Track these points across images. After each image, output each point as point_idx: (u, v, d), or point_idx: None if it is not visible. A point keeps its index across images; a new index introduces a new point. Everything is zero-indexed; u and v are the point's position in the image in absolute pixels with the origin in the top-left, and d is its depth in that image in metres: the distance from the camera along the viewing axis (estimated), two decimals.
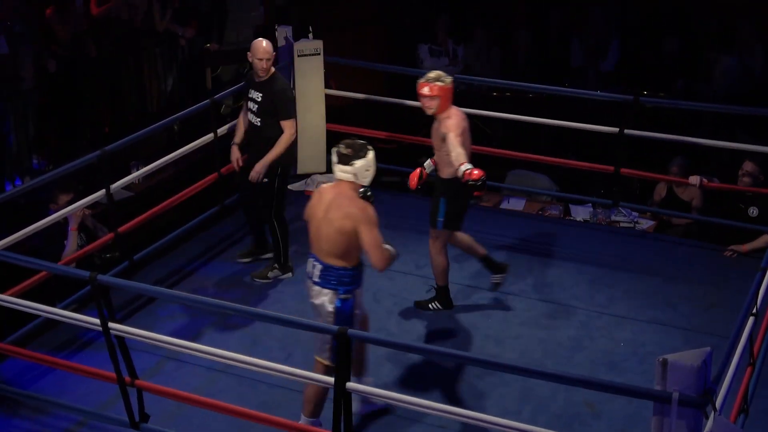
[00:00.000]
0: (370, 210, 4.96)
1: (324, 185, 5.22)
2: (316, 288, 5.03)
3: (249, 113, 6.77)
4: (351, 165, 5.01)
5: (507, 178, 8.89)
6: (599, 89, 9.20)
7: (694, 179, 7.33)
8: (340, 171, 5.03)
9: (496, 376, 5.75)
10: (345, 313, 4.98)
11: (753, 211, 7.32)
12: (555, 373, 4.84)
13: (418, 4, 10.91)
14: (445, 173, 6.14)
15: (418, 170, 6.21)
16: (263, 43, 6.64)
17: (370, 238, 4.90)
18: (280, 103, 6.65)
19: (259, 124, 6.70)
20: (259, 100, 6.67)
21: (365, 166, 5.06)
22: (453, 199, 6.19)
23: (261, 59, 6.61)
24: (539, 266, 7.10)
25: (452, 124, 5.95)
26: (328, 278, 4.99)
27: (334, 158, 5.05)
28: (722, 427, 3.99)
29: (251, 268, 7.08)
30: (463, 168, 5.60)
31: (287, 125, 6.66)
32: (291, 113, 6.75)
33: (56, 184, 6.50)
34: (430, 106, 6.02)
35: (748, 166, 7.26)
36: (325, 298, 5.00)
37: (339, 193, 5.02)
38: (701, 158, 8.26)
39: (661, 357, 3.89)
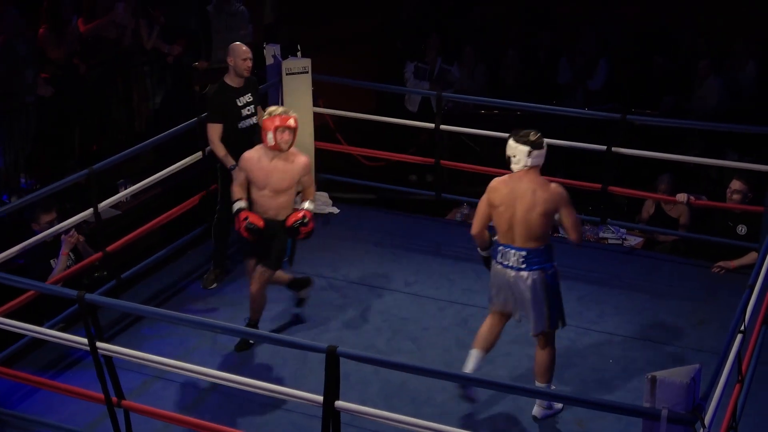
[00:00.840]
0: (565, 191, 5.32)
1: (501, 179, 5.44)
2: (523, 273, 5.30)
3: (242, 121, 6.88)
4: (540, 150, 5.29)
5: None
6: (587, 107, 9.24)
7: (681, 197, 7.36)
8: (534, 158, 5.29)
9: (486, 394, 5.73)
10: (555, 286, 5.36)
11: (741, 229, 7.34)
12: (545, 390, 4.84)
13: (409, 23, 10.97)
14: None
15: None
16: (243, 46, 6.91)
17: (572, 217, 5.32)
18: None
19: (257, 121, 6.92)
20: (251, 100, 6.93)
21: (544, 153, 5.34)
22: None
23: (245, 59, 6.83)
24: None
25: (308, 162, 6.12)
26: (533, 261, 5.28)
27: (525, 148, 5.27)
28: None
29: (242, 285, 7.07)
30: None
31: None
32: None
33: (38, 204, 6.47)
34: (289, 141, 5.94)
35: (736, 184, 7.28)
36: (536, 278, 5.29)
37: (533, 180, 5.29)
38: (690, 176, 8.29)
39: (650, 374, 3.89)
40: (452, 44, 10.32)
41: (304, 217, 6.00)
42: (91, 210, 6.48)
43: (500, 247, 5.41)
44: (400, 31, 10.93)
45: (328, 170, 8.44)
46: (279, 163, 5.97)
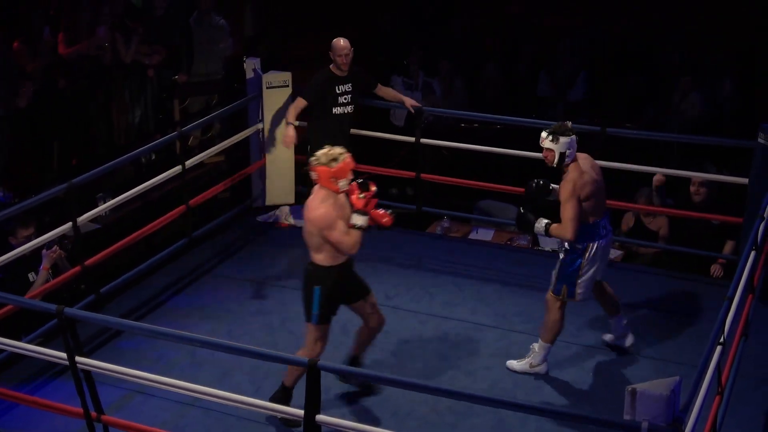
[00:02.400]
0: None
1: (578, 172, 5.68)
2: (612, 235, 5.98)
3: (338, 107, 7.49)
4: None
5: (476, 208, 8.92)
6: (567, 120, 9.26)
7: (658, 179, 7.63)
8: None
9: (467, 408, 5.73)
10: None
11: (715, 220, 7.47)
12: (525, 404, 4.84)
13: (390, 37, 10.98)
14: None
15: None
16: (341, 41, 7.40)
17: None
18: (368, 76, 7.72)
19: (352, 110, 7.57)
20: (350, 90, 7.51)
21: None
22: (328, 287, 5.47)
23: (341, 55, 7.36)
24: (509, 296, 7.11)
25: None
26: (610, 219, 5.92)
27: (575, 137, 5.67)
28: None
29: (222, 299, 7.05)
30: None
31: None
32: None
33: (16, 218, 6.43)
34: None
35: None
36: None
37: (580, 154, 5.78)
38: (669, 189, 8.32)
39: (630, 386, 3.90)
40: (432, 58, 10.35)
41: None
42: (70, 224, 6.45)
43: (601, 222, 5.84)
44: (381, 45, 10.95)
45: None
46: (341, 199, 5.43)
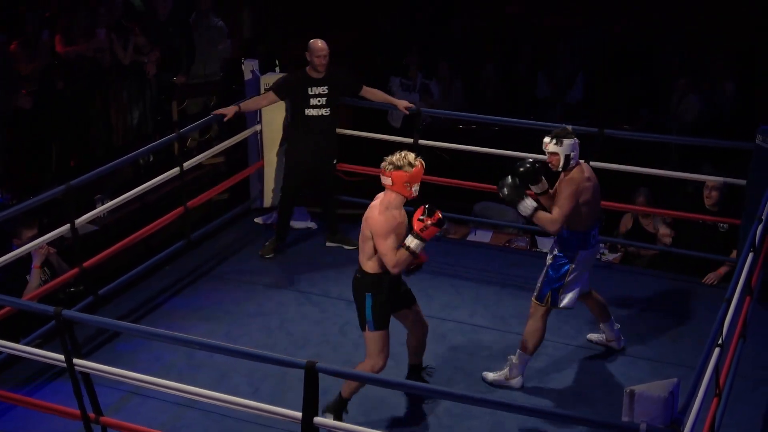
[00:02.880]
0: None
1: (581, 174, 5.69)
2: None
3: (310, 109, 7.40)
4: None
5: (474, 210, 8.92)
6: (565, 122, 9.26)
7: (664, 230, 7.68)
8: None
9: (465, 409, 5.73)
10: None
11: (723, 226, 7.42)
12: (523, 405, 4.85)
13: (389, 38, 10.98)
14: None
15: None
16: (319, 42, 7.32)
17: None
18: (350, 78, 7.67)
19: (328, 113, 7.45)
20: (326, 92, 7.39)
21: None
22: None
23: (318, 56, 7.30)
24: (507, 298, 7.11)
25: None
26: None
27: (576, 140, 5.68)
28: None
29: (221, 300, 7.06)
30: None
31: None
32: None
33: (19, 219, 6.44)
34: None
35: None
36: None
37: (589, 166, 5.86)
38: (667, 190, 8.34)
39: (628, 388, 3.90)
40: (431, 59, 10.35)
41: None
42: (68, 225, 6.45)
43: (593, 232, 5.85)
44: (380, 46, 10.95)
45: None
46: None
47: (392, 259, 5.14)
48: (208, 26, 9.24)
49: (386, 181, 5.25)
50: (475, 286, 7.27)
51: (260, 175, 8.37)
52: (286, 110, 7.88)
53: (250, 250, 7.94)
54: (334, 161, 7.76)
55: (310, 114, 7.44)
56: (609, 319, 6.29)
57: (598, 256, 7.89)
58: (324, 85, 7.41)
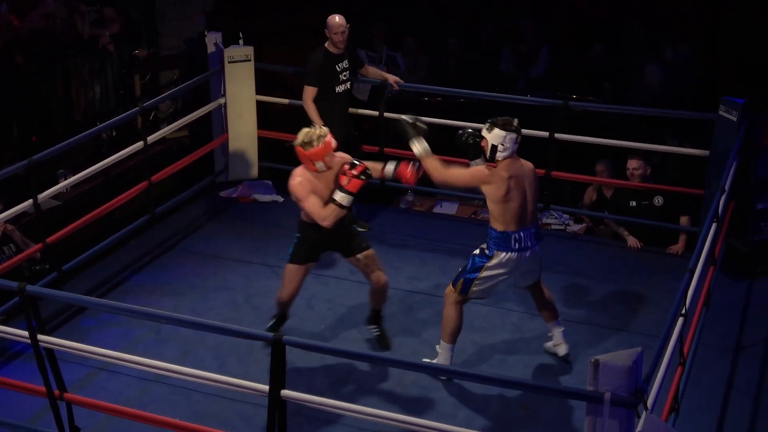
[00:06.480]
0: None
1: (498, 172, 5.48)
2: (536, 251, 5.63)
3: (340, 85, 7.42)
4: (520, 136, 5.53)
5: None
6: (529, 95, 9.28)
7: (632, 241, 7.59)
8: (517, 143, 5.52)
9: (431, 381, 5.75)
10: None
11: (658, 200, 7.54)
12: (489, 375, 4.87)
13: (354, 12, 10.89)
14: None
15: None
16: (337, 18, 7.33)
17: None
18: (357, 55, 7.86)
19: (349, 87, 7.55)
20: (347, 67, 7.46)
21: None
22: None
23: (338, 32, 7.30)
24: None
25: None
26: (538, 237, 5.63)
27: (514, 135, 5.48)
28: (653, 425, 4.03)
29: (186, 275, 7.03)
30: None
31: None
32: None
33: None
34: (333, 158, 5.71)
35: (633, 163, 7.62)
36: (538, 255, 5.66)
37: (524, 163, 5.62)
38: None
39: (592, 357, 3.92)
40: (396, 32, 10.31)
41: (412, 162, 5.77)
42: (30, 201, 6.38)
43: (514, 235, 5.51)
44: (346, 19, 10.86)
45: (272, 158, 8.41)
46: (333, 174, 5.71)
47: (319, 214, 5.61)
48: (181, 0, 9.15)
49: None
50: (441, 258, 7.29)
51: (225, 148, 8.32)
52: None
53: (215, 224, 7.91)
54: (357, 134, 7.70)
55: (340, 90, 7.46)
56: (555, 319, 6.01)
57: (562, 227, 7.97)
58: (344, 60, 7.46)
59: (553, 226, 8.09)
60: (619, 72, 9.59)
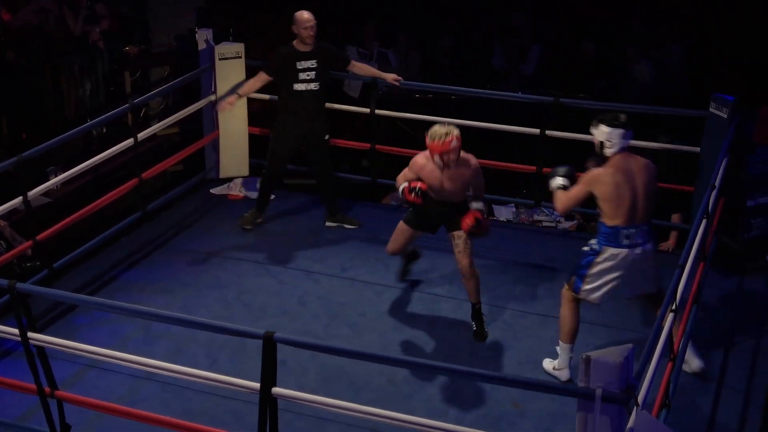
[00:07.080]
0: None
1: (606, 170, 5.47)
2: (647, 250, 5.49)
3: (299, 84, 7.30)
4: (630, 131, 5.48)
5: None
6: (520, 92, 9.30)
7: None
8: (628, 138, 5.49)
9: (423, 378, 5.76)
10: None
11: None
12: (480, 372, 4.87)
13: (346, 9, 10.89)
14: None
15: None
16: (305, 14, 7.24)
17: None
18: (339, 53, 7.80)
19: (317, 88, 7.32)
20: (315, 66, 7.29)
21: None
22: None
23: (305, 27, 7.21)
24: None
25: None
26: (651, 235, 5.51)
27: (619, 130, 5.44)
28: (645, 421, 4.05)
29: (177, 272, 7.02)
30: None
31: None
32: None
33: None
34: (454, 159, 5.98)
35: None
36: (650, 255, 5.53)
37: (636, 158, 5.52)
38: None
39: (584, 354, 3.93)
40: (389, 29, 10.31)
41: (476, 218, 6.12)
42: (20, 198, 6.36)
43: (624, 231, 5.42)
44: (337, 15, 10.86)
45: (262, 156, 8.40)
46: (449, 172, 6.06)
47: (399, 180, 6.26)
48: None
49: None
50: (432, 255, 7.25)
51: (215, 145, 8.31)
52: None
53: (205, 222, 7.90)
54: (327, 137, 7.60)
55: (299, 89, 7.32)
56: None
57: (553, 224, 7.97)
58: (312, 59, 7.30)
59: (544, 223, 8.10)
60: (610, 69, 9.61)
